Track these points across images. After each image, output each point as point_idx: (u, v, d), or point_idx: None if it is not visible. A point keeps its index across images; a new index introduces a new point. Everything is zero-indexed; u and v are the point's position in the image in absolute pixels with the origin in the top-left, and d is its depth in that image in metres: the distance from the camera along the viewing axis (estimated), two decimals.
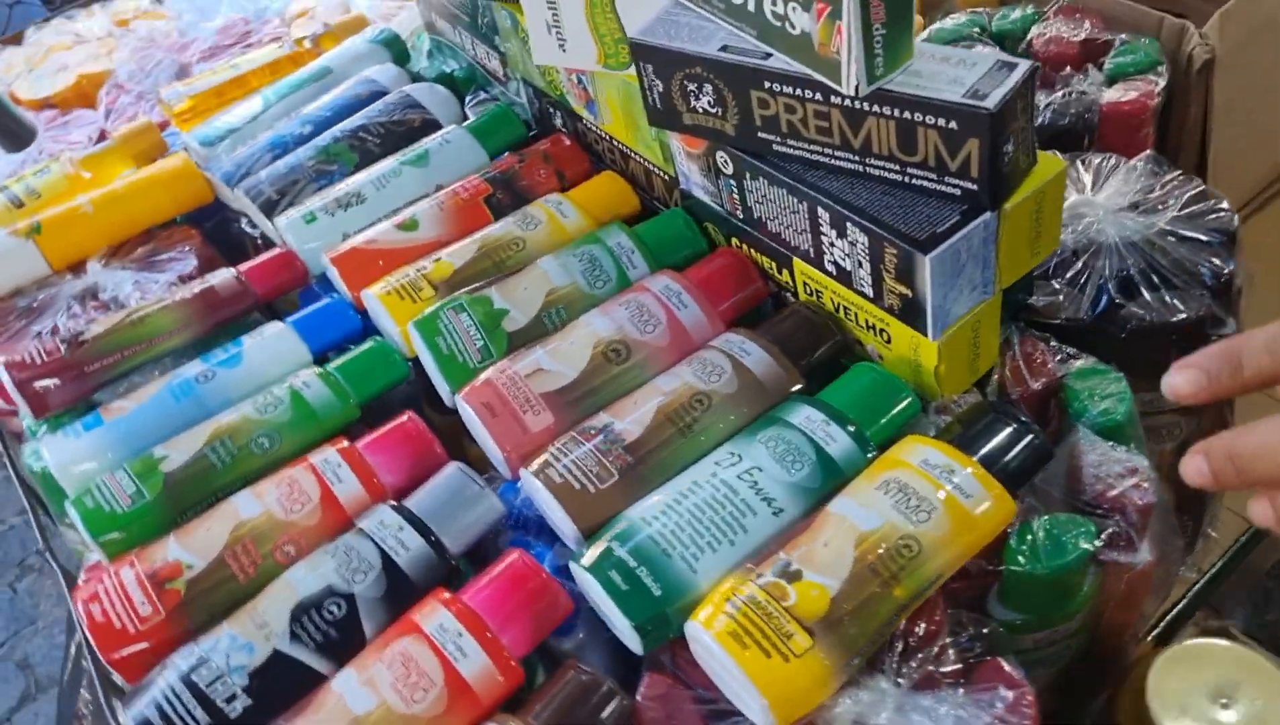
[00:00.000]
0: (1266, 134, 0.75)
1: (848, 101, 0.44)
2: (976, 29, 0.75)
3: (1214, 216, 0.54)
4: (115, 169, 0.76)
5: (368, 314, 0.62)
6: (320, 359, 0.59)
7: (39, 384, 0.57)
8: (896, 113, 0.43)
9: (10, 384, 0.56)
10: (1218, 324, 0.52)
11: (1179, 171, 0.57)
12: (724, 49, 0.48)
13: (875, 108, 0.44)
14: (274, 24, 0.93)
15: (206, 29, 0.92)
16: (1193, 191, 0.55)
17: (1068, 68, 0.69)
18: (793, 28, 0.44)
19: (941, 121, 0.42)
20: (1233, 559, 0.58)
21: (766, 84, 0.47)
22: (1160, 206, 0.55)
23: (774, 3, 0.44)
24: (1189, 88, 0.67)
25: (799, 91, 0.46)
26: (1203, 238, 0.53)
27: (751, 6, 0.45)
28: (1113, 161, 0.59)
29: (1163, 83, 0.64)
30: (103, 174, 0.76)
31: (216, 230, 0.78)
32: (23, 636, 1.73)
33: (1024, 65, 0.42)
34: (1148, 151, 0.58)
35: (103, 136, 0.85)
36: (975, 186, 0.43)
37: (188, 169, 0.72)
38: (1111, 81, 0.67)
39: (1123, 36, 0.69)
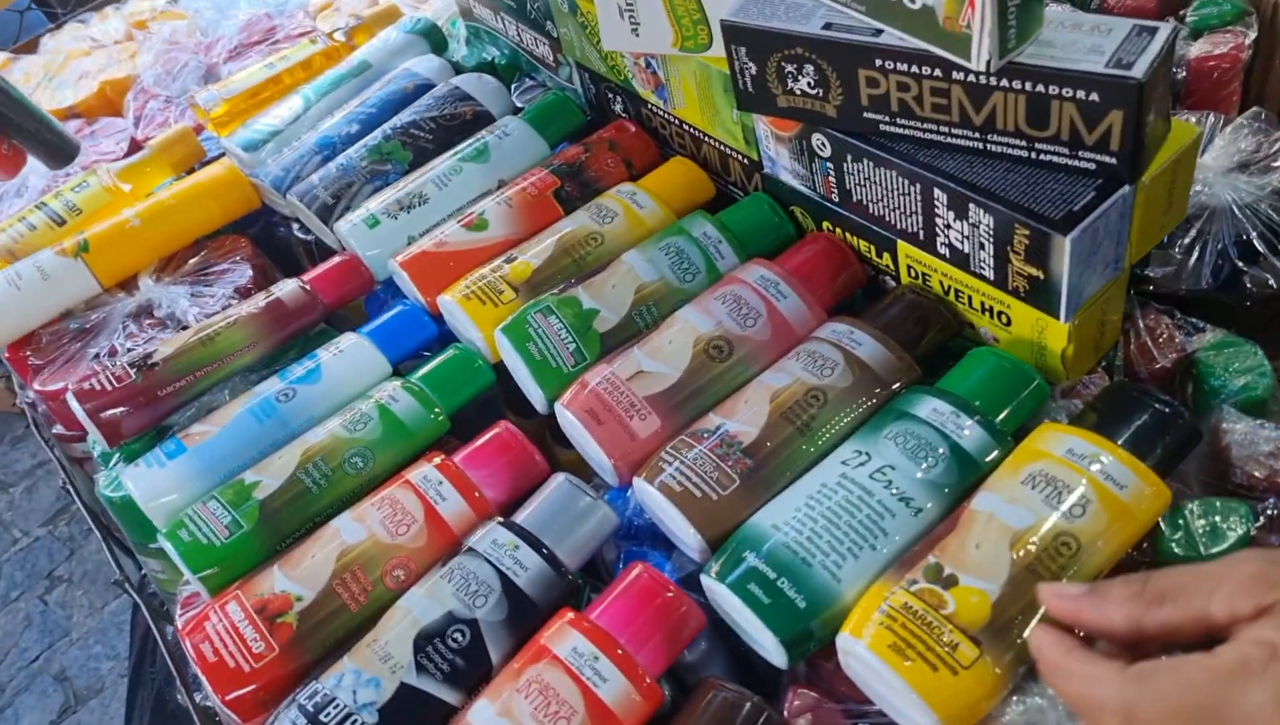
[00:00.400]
0: None
1: (971, 77, 0.42)
2: None
3: None
4: (154, 179, 0.73)
5: (441, 319, 0.59)
6: (396, 369, 0.57)
7: (111, 412, 0.55)
8: (1029, 86, 0.41)
9: (83, 414, 0.54)
10: None
11: None
12: (828, 27, 0.45)
13: (1004, 82, 0.41)
14: (298, 18, 0.90)
15: (229, 26, 0.88)
16: None
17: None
18: (913, 2, 0.41)
19: (1081, 94, 0.39)
20: None
21: (878, 62, 0.44)
22: (1271, 166, 0.53)
23: None
24: (1275, 38, 0.65)
25: (915, 69, 0.43)
26: None
27: None
28: (1212, 120, 0.56)
29: (1253, 34, 0.62)
30: (142, 185, 0.73)
31: (261, 236, 0.75)
32: (58, 649, 1.72)
33: (1164, 29, 0.40)
34: (1255, 109, 0.55)
35: (135, 145, 0.82)
36: (1114, 160, 0.41)
37: (235, 176, 0.70)
38: (1195, 35, 0.64)
39: None
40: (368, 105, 0.72)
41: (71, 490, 0.67)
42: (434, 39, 0.79)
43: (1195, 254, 0.51)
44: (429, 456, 0.50)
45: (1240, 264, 0.50)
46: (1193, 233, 0.52)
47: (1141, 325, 0.49)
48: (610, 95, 0.67)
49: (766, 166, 0.57)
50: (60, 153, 0.65)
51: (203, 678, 0.44)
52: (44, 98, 0.87)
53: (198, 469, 0.52)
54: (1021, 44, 0.40)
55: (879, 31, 0.44)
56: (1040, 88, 0.40)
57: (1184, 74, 0.62)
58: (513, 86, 0.75)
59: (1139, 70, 0.38)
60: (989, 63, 0.40)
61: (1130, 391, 0.44)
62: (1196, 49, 0.62)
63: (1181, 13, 0.66)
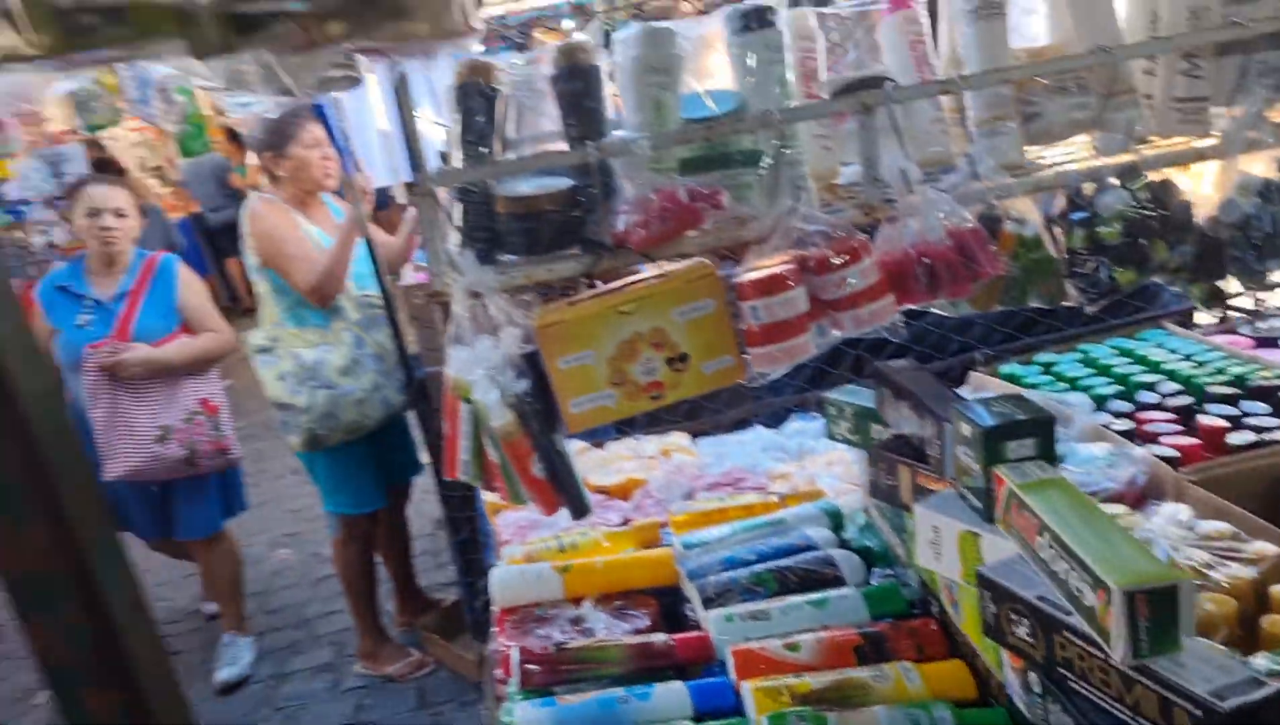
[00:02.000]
0: None
1: (1120, 666, 0.57)
2: None
3: None
4: (625, 545, 1.12)
5: (739, 696, 0.83)
6: (697, 717, 0.81)
7: (532, 667, 0.87)
8: (1156, 686, 0.55)
9: (516, 664, 0.87)
10: None
11: None
12: (1041, 598, 0.65)
13: (1141, 677, 0.56)
14: (761, 478, 1.28)
15: (716, 470, 1.30)
16: None
17: None
18: (1084, 598, 0.60)
19: (1189, 706, 0.53)
20: None
21: (1065, 632, 0.62)
22: None
23: (1073, 581, 0.60)
24: None
25: (1089, 646, 0.60)
26: None
27: (1063, 575, 0.62)
28: None
29: None
30: (617, 545, 1.11)
31: (669, 604, 1.07)
32: None
33: (1273, 687, 0.52)
34: None
35: (625, 522, 1.23)
36: None
37: (667, 558, 1.04)
38: None
39: None
40: (768, 547, 1.03)
41: (482, 713, 0.99)
42: (835, 519, 1.09)
43: None
44: None
45: None
46: None
47: None
48: (930, 598, 0.89)
49: (1007, 688, 0.73)
50: (579, 509, 1.06)
51: None
52: (595, 477, 1.35)
53: (556, 722, 0.80)
54: (1156, 653, 0.56)
55: (1071, 613, 0.62)
56: (1163, 690, 0.55)
57: None
58: (875, 569, 1.00)
59: (1228, 704, 0.51)
60: (1122, 658, 0.56)
61: None
62: None
63: None
